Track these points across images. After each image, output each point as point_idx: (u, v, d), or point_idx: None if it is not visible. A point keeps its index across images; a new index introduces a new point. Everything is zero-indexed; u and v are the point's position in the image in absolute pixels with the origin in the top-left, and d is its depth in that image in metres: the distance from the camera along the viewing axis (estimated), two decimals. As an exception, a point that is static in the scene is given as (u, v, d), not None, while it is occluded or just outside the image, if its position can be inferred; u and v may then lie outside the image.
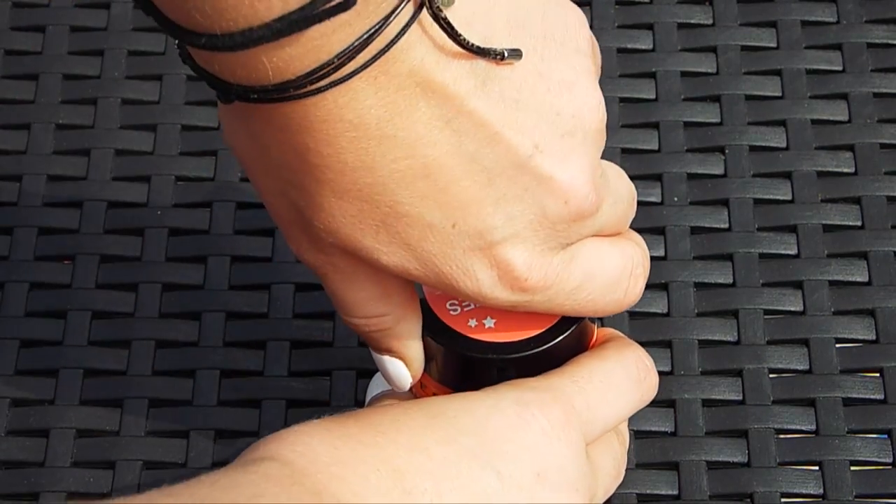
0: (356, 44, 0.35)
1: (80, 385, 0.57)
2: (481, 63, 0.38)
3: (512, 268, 0.41)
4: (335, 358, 0.58)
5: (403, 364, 0.45)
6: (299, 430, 0.41)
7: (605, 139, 0.42)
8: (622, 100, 0.64)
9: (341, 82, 0.36)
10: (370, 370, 0.56)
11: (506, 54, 0.38)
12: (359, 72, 0.36)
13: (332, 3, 0.34)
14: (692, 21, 0.66)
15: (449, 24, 0.37)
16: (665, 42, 0.65)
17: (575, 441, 0.43)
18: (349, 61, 0.36)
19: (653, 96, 0.64)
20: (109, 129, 0.63)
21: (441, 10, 0.36)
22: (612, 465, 0.46)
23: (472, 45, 0.37)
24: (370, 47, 0.36)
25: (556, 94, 0.40)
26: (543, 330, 0.45)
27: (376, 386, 0.51)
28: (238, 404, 0.57)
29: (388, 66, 0.36)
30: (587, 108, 0.41)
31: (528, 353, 0.44)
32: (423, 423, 0.41)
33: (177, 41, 0.37)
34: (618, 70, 0.64)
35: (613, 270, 0.44)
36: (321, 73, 0.35)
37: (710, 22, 0.66)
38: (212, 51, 0.35)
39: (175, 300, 0.59)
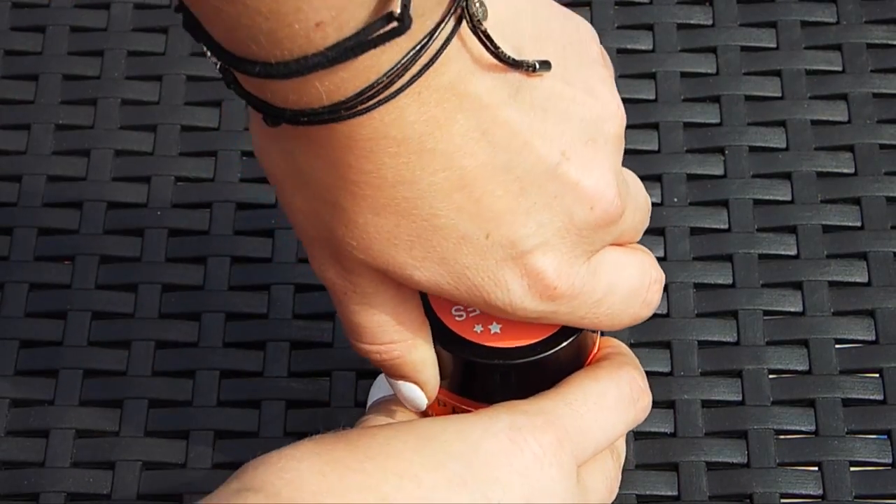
0: (404, 61, 0.36)
1: (80, 385, 0.57)
2: (513, 74, 0.39)
3: (543, 276, 0.41)
4: (335, 358, 0.58)
5: (418, 389, 0.45)
6: (288, 455, 0.41)
7: (622, 144, 0.42)
8: (622, 100, 0.64)
9: (389, 100, 0.36)
10: (370, 371, 0.56)
11: (537, 66, 0.39)
12: (405, 88, 0.36)
13: (387, 29, 0.34)
14: (692, 21, 0.66)
15: (489, 36, 0.37)
16: (665, 42, 0.65)
17: (566, 465, 0.43)
18: (398, 79, 0.36)
19: (653, 97, 0.64)
20: (109, 130, 0.63)
21: (481, 24, 0.37)
22: (603, 485, 0.46)
23: (509, 57, 0.38)
24: (416, 65, 0.36)
25: (580, 103, 0.40)
26: (548, 335, 0.45)
27: (378, 390, 0.50)
28: (238, 405, 0.57)
29: (430, 81, 0.37)
30: (608, 114, 0.41)
31: (533, 357, 0.44)
32: (414, 447, 0.41)
33: (218, 65, 0.37)
34: (618, 70, 0.64)
35: (633, 282, 0.44)
36: (371, 92, 0.36)
37: (710, 22, 0.66)
38: (266, 78, 0.35)
39: (175, 300, 0.59)
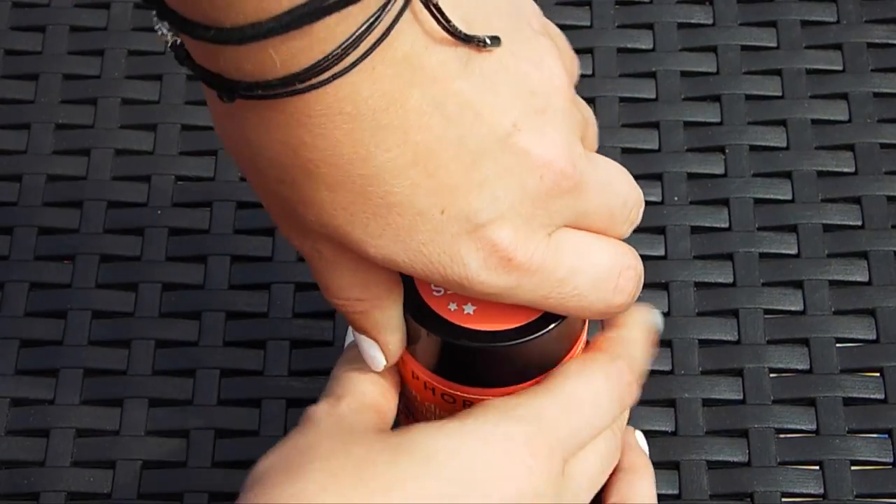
0: (358, 32, 0.36)
1: (80, 385, 0.57)
2: (462, 48, 0.39)
3: (498, 247, 0.41)
4: (336, 357, 0.57)
5: (378, 348, 0.45)
6: (299, 497, 0.41)
7: (575, 116, 0.42)
8: (622, 99, 0.64)
9: (343, 74, 0.36)
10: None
11: (487, 41, 0.39)
12: (360, 61, 0.36)
13: None
14: (692, 21, 0.66)
15: (440, 10, 0.37)
16: (665, 42, 0.65)
17: (556, 470, 0.43)
18: (352, 51, 0.36)
19: (653, 96, 0.64)
20: (109, 129, 0.63)
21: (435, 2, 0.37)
22: (586, 481, 0.46)
23: (461, 32, 0.38)
24: (369, 37, 0.36)
25: (528, 75, 0.40)
26: (522, 324, 0.44)
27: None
28: (238, 404, 0.57)
29: (384, 55, 0.37)
30: (554, 86, 0.41)
31: (499, 345, 0.44)
32: (412, 474, 0.42)
33: (170, 44, 0.37)
34: (618, 70, 0.64)
35: (602, 265, 0.44)
36: (325, 64, 0.36)
37: (710, 22, 0.66)
38: (220, 44, 0.35)
39: (175, 300, 0.59)
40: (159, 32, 0.37)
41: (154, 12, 0.37)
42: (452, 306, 0.44)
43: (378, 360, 0.45)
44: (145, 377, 0.57)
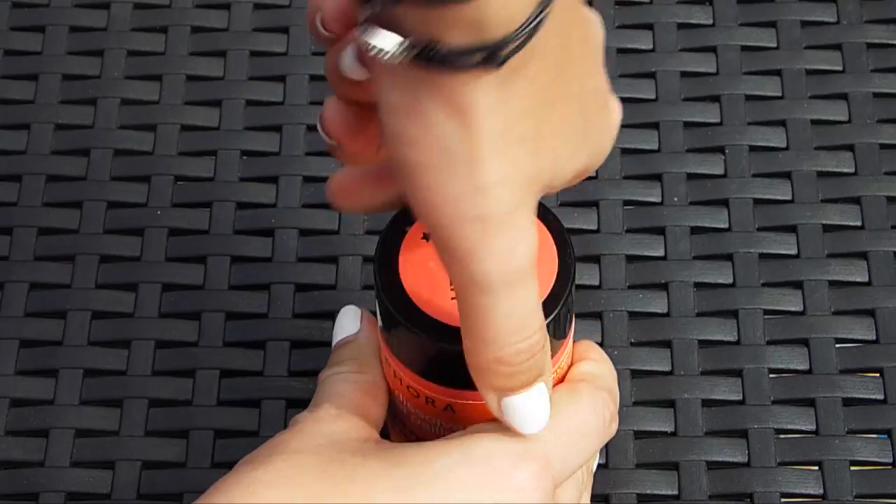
0: None
1: (80, 385, 0.57)
2: None
3: (617, 117, 0.45)
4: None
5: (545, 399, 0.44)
6: (256, 480, 0.41)
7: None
8: (622, 99, 0.63)
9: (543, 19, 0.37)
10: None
11: None
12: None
13: None
14: (692, 21, 0.66)
15: None
16: (665, 42, 0.65)
17: (546, 491, 0.43)
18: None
19: (653, 96, 0.64)
20: (109, 129, 0.63)
21: None
22: (576, 496, 0.47)
23: None
24: None
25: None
26: None
27: (341, 329, 0.50)
28: (238, 404, 0.57)
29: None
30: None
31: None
32: (379, 473, 0.41)
33: (374, 12, 0.36)
34: (618, 70, 0.64)
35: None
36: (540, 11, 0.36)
37: (710, 22, 0.66)
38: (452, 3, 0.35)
39: (175, 300, 0.59)
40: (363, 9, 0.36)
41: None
42: (430, 299, 0.44)
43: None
44: (145, 377, 0.57)
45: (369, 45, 0.36)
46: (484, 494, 0.41)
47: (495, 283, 0.39)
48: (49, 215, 0.61)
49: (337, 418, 0.45)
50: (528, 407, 0.42)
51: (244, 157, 0.63)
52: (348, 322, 0.49)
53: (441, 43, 0.35)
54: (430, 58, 0.36)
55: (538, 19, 0.36)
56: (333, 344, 0.49)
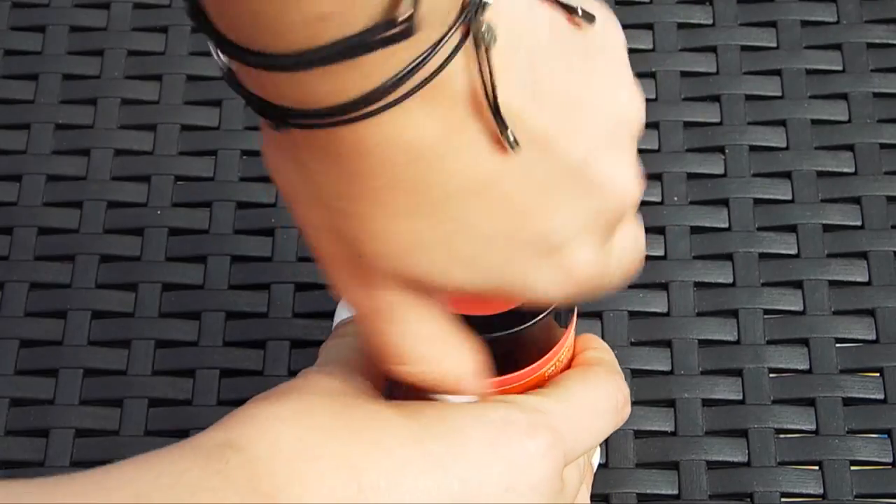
0: (408, 68, 0.35)
1: (80, 385, 0.57)
2: (528, 75, 0.38)
3: (575, 268, 0.40)
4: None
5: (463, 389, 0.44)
6: (273, 415, 0.41)
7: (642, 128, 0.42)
8: (622, 100, 0.64)
9: (396, 104, 0.35)
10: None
11: (581, 13, 0.39)
12: (412, 93, 0.35)
13: (391, 33, 0.34)
14: (692, 21, 0.66)
15: (490, 70, 0.36)
16: (665, 42, 0.65)
17: (557, 467, 0.43)
18: (404, 83, 0.35)
19: (653, 96, 0.64)
20: (109, 129, 0.63)
21: (487, 48, 0.36)
22: (577, 483, 0.47)
23: (497, 111, 0.37)
24: (422, 71, 0.35)
25: (599, 95, 0.40)
26: (505, 311, 0.44)
27: (344, 310, 0.50)
28: (238, 403, 0.56)
29: (441, 87, 0.36)
30: (632, 112, 0.41)
31: (488, 334, 0.44)
32: (394, 422, 0.41)
33: (224, 71, 0.37)
34: (618, 70, 0.64)
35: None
36: (376, 95, 0.35)
37: (710, 22, 0.66)
38: (268, 70, 0.35)
39: (175, 300, 0.59)
40: (215, 57, 0.37)
41: (210, 39, 0.36)
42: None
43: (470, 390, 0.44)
44: (145, 377, 0.57)
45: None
46: (494, 457, 0.41)
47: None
48: (49, 215, 0.61)
49: (347, 375, 0.45)
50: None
51: (244, 157, 0.63)
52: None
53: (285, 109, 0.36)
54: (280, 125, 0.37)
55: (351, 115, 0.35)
56: (336, 319, 0.49)
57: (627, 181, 0.40)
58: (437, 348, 0.42)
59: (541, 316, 0.44)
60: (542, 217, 0.39)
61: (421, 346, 0.41)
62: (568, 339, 0.48)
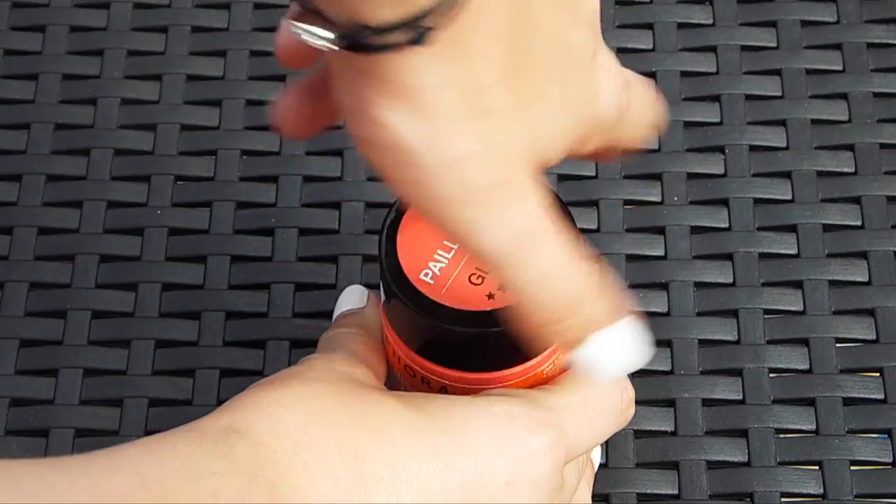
0: None
1: (80, 385, 0.57)
2: None
3: (610, 69, 0.42)
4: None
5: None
6: (277, 400, 0.41)
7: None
8: (622, 99, 0.64)
9: None
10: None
11: None
12: None
13: None
14: (692, 21, 0.66)
15: None
16: (665, 42, 0.65)
17: (558, 464, 0.43)
18: None
19: (653, 96, 0.64)
20: (109, 129, 0.63)
21: None
22: (576, 482, 0.47)
23: None
24: None
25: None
26: (492, 309, 0.44)
27: (347, 300, 0.50)
28: (238, 404, 0.57)
29: None
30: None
31: (473, 329, 0.44)
32: (398, 412, 0.42)
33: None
34: (618, 70, 0.64)
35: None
36: None
37: (710, 22, 0.66)
38: None
39: (175, 300, 0.59)
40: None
41: None
42: (430, 279, 0.45)
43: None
44: (145, 377, 0.57)
45: (306, 41, 0.36)
46: (497, 452, 0.42)
47: (507, 254, 0.38)
48: (49, 215, 0.61)
49: (349, 363, 0.45)
50: (608, 350, 0.40)
51: (244, 157, 0.63)
52: (355, 297, 0.49)
53: (366, 26, 0.34)
54: (358, 44, 0.35)
55: None
56: (336, 315, 0.49)
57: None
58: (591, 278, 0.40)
59: None
60: (579, 30, 0.40)
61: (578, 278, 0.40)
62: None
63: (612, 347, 0.40)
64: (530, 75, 0.38)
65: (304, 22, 0.35)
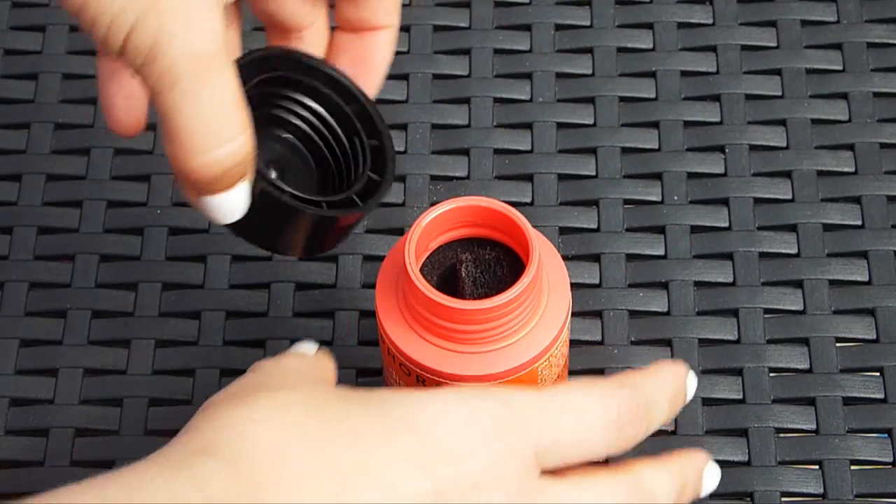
0: None
1: (80, 384, 0.57)
2: None
3: None
4: (335, 357, 0.57)
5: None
6: (245, 417, 0.41)
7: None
8: (622, 99, 0.64)
9: None
10: (371, 369, 0.56)
11: None
12: None
13: None
14: (692, 20, 0.66)
15: None
16: (665, 41, 0.65)
17: (523, 465, 0.42)
18: None
19: (653, 95, 0.64)
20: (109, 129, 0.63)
21: None
22: (664, 496, 0.46)
23: None
24: None
25: None
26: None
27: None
28: (238, 403, 0.57)
29: None
30: None
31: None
32: (369, 419, 0.42)
33: None
34: (618, 69, 0.64)
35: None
36: None
37: (710, 21, 0.66)
38: None
39: (175, 299, 0.59)
40: None
41: None
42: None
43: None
44: (145, 377, 0.57)
45: None
46: (464, 454, 0.42)
47: (179, 73, 0.39)
48: (49, 215, 0.61)
49: (301, 362, 0.46)
50: (227, 204, 0.43)
51: (244, 157, 0.63)
52: (307, 346, 0.50)
53: None
54: None
55: None
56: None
57: None
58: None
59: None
60: None
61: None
62: (561, 336, 0.48)
63: (233, 201, 0.43)
64: None
65: None
